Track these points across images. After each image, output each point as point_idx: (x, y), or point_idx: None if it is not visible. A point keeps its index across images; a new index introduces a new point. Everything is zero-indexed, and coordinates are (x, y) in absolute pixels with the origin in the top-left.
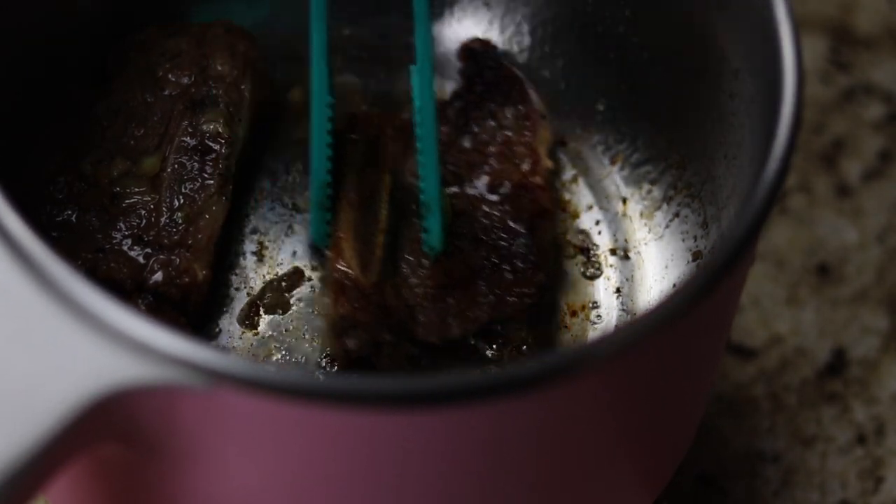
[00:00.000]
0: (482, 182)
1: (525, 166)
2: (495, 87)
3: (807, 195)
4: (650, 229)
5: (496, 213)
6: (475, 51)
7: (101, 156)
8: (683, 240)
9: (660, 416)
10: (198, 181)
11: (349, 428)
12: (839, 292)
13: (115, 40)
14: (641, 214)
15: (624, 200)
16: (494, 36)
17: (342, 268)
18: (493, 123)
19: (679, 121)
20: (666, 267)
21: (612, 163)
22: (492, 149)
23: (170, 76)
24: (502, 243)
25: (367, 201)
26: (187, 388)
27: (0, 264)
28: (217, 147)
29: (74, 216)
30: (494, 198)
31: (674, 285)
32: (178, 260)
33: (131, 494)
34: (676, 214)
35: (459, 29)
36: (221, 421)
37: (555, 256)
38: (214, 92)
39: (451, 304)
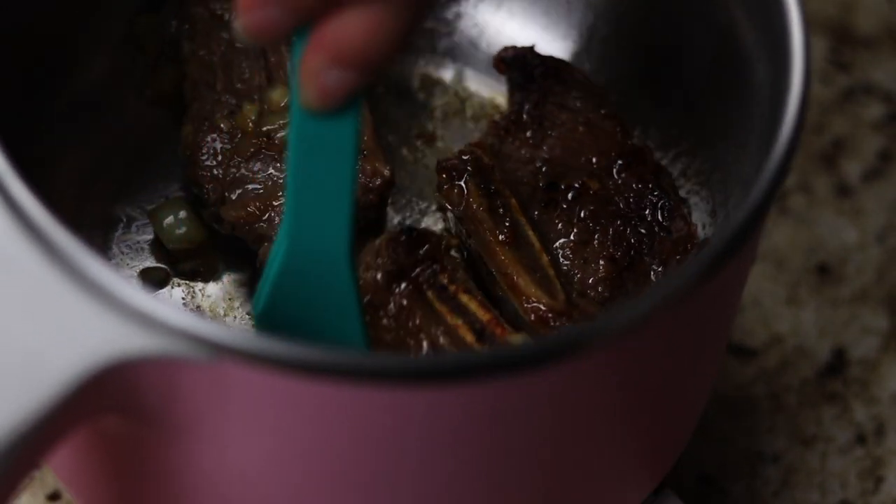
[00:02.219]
0: (590, 163)
1: (618, 134)
2: (550, 79)
3: (807, 195)
4: None
5: (620, 184)
6: (513, 58)
7: (226, 110)
8: None
9: (663, 397)
10: None
11: (353, 403)
12: (839, 292)
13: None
14: None
15: None
16: (502, 24)
17: (532, 304)
18: (568, 109)
19: (691, 108)
20: None
21: None
22: (581, 130)
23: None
24: (642, 208)
25: (512, 231)
26: (190, 360)
27: (5, 234)
28: None
29: (243, 169)
30: (609, 172)
31: None
32: (359, 167)
33: (132, 467)
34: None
35: (480, 16)
36: (224, 394)
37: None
38: None
39: (631, 288)
